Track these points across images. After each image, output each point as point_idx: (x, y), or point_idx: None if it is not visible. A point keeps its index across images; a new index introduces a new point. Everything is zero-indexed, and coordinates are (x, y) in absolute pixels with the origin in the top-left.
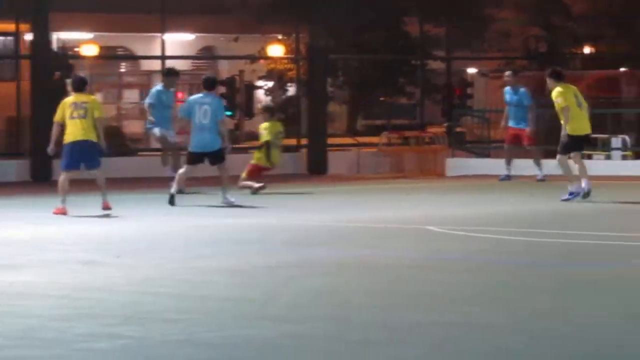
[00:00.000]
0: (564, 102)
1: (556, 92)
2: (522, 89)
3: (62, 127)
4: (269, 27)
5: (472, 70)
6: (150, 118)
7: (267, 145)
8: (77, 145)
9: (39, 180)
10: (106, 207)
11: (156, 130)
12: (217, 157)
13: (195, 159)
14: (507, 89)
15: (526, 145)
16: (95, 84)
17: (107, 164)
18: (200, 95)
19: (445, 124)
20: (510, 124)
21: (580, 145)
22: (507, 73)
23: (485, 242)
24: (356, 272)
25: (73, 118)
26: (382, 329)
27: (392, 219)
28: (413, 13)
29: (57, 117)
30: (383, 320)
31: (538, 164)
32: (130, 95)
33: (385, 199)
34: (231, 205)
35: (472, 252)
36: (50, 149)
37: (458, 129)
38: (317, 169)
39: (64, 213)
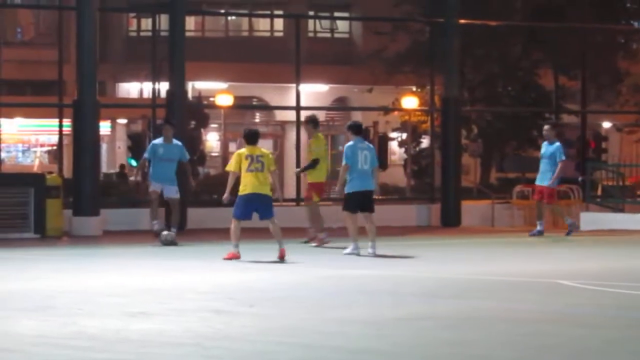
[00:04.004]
0: None
1: None
2: (557, 143)
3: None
4: (402, 79)
5: (606, 124)
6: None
7: (316, 161)
8: (254, 196)
9: None
10: (281, 257)
11: (150, 185)
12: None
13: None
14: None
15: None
16: (230, 133)
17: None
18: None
19: (580, 178)
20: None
21: None
22: (546, 127)
23: (618, 297)
24: (488, 324)
25: (251, 171)
26: None
27: (524, 272)
28: (546, 65)
29: (233, 167)
30: None
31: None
32: (264, 145)
33: (517, 252)
34: (374, 256)
35: (604, 307)
36: (225, 197)
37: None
38: (450, 221)
39: (237, 257)
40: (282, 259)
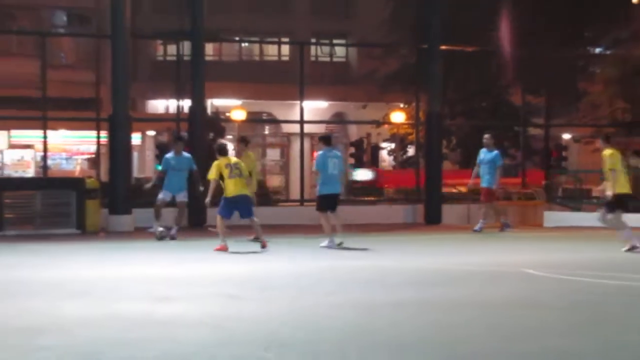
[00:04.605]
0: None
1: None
2: (495, 151)
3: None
4: (392, 97)
5: (566, 136)
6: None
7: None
8: (237, 198)
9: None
10: (264, 246)
11: (161, 193)
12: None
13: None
14: (483, 149)
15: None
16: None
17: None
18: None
19: (543, 182)
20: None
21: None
22: (486, 136)
23: (577, 284)
24: (468, 309)
25: (232, 177)
26: (485, 356)
27: (496, 262)
28: (516, 85)
29: (214, 176)
30: (485, 349)
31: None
32: (272, 154)
33: (489, 245)
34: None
35: (565, 293)
36: (207, 202)
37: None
38: (432, 219)
39: (225, 249)
40: (264, 247)
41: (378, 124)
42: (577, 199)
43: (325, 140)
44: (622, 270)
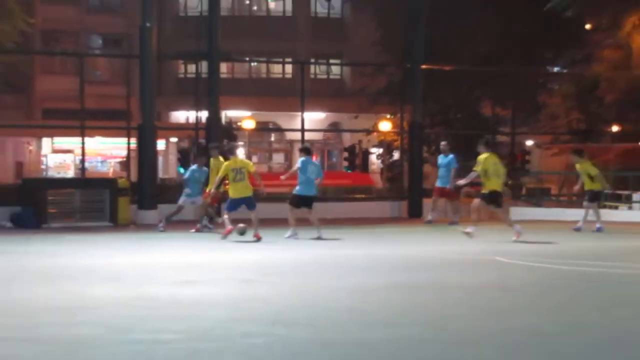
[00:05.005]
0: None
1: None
2: (451, 155)
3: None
4: (380, 109)
5: (529, 143)
6: (187, 190)
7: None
8: (241, 200)
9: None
10: (257, 238)
11: (184, 199)
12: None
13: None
14: (441, 155)
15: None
16: (252, 148)
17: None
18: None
19: (509, 182)
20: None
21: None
22: (443, 143)
23: (544, 271)
24: (444, 290)
25: (236, 181)
26: (464, 333)
27: (469, 251)
28: (487, 98)
29: (222, 175)
30: (467, 326)
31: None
32: (277, 158)
33: (464, 236)
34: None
35: (529, 277)
36: (207, 193)
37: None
38: (415, 213)
39: (229, 231)
40: (258, 239)
41: (368, 132)
42: (539, 197)
43: (306, 150)
44: (581, 258)
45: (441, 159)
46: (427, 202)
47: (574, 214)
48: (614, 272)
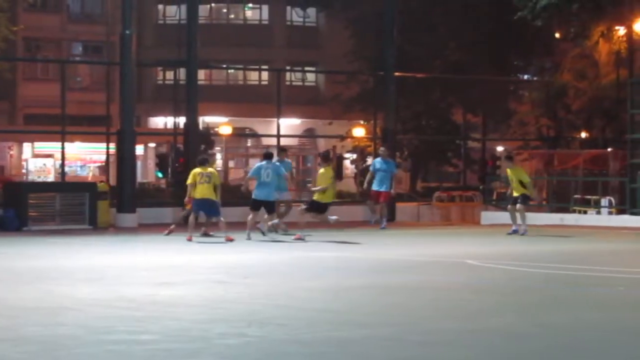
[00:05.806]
0: None
1: None
2: (391, 160)
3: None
4: (354, 115)
5: (500, 148)
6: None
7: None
8: (204, 200)
9: None
10: (229, 240)
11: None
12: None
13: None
14: (379, 159)
15: (382, 202)
16: (229, 154)
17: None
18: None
19: (480, 187)
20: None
21: None
22: (382, 149)
23: (511, 273)
24: (416, 292)
25: (201, 183)
26: (435, 333)
27: (440, 254)
28: (458, 105)
29: (190, 181)
30: (437, 327)
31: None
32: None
33: (435, 240)
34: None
35: (498, 279)
36: (187, 200)
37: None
38: (388, 217)
39: (189, 240)
40: (229, 240)
41: (342, 138)
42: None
43: (266, 155)
44: (550, 261)
45: (379, 164)
46: (399, 206)
47: (543, 218)
48: (581, 274)
